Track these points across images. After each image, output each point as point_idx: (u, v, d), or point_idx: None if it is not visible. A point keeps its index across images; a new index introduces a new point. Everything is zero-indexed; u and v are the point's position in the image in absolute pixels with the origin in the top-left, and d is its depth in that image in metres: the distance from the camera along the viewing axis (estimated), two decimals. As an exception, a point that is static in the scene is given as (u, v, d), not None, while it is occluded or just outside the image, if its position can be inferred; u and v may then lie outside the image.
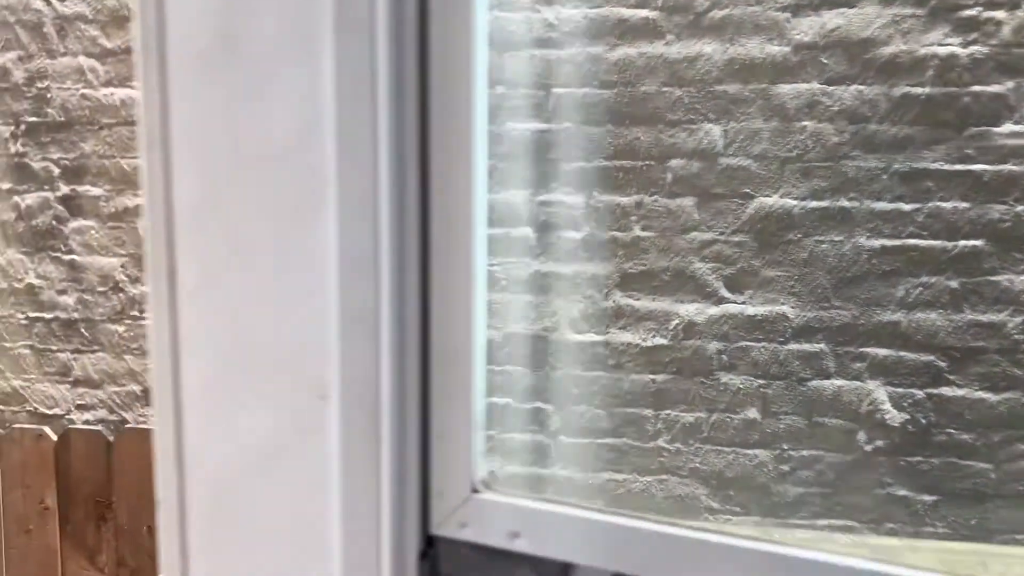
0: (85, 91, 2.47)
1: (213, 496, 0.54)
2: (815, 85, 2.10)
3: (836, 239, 2.11)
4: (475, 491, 0.60)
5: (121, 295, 2.51)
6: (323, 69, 0.52)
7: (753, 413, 2.20)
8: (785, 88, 2.11)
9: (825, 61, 2.08)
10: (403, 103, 0.56)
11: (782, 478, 2.20)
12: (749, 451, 2.22)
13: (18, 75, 2.50)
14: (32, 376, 2.56)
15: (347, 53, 0.52)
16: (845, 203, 2.09)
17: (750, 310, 2.19)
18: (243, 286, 0.53)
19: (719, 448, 2.25)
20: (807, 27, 2.09)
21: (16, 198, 2.53)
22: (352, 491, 0.54)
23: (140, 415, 2.53)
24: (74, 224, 2.51)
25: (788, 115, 2.12)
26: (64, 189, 2.51)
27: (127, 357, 2.52)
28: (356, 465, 0.54)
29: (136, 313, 2.51)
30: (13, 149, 2.52)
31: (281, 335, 0.54)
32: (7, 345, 2.57)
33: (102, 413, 2.55)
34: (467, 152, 0.57)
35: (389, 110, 0.54)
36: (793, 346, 2.16)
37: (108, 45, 2.45)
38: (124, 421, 2.51)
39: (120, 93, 2.46)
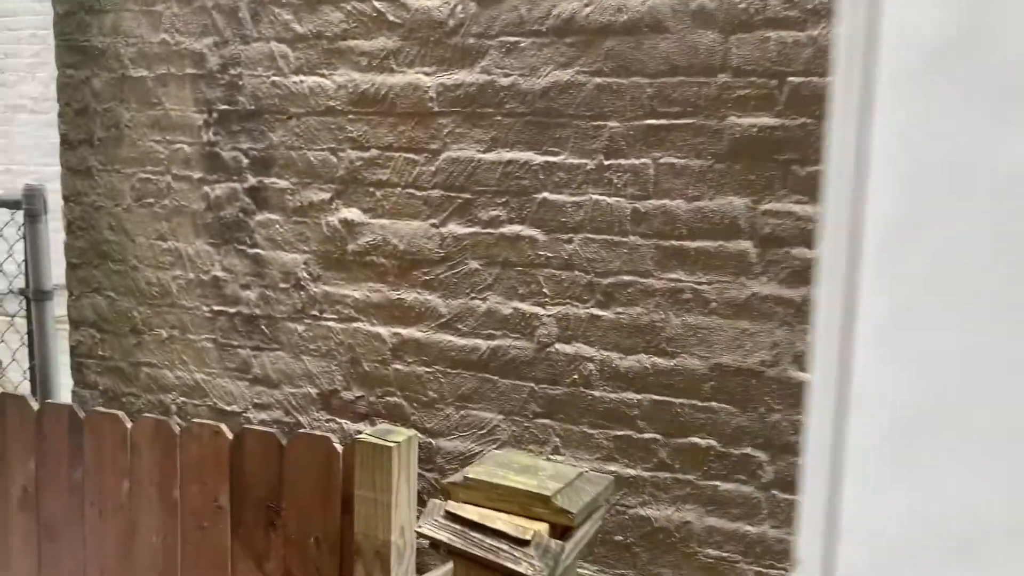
0: (275, 79, 2.37)
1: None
2: None
3: None
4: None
5: (302, 293, 2.41)
6: None
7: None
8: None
9: None
10: None
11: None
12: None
13: (213, 62, 2.44)
14: (214, 370, 2.52)
15: None
16: None
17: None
18: (951, 325, 0.43)
19: None
20: None
21: (206, 188, 2.48)
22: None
23: (314, 419, 2.42)
24: (260, 217, 2.43)
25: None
26: (252, 180, 2.43)
27: (304, 358, 2.41)
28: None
29: (316, 313, 2.39)
30: (205, 137, 2.46)
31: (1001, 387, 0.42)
32: (192, 337, 2.54)
33: (278, 414, 2.46)
34: None
35: None
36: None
37: (300, 30, 2.34)
38: (298, 424, 2.41)
39: (309, 81, 2.34)
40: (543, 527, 1.73)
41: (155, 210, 2.55)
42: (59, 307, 2.77)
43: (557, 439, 2.16)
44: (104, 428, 2.38)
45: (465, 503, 1.77)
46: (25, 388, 2.76)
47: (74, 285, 2.69)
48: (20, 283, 2.77)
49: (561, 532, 1.76)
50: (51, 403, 2.50)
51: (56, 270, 2.73)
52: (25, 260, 2.76)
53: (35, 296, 2.80)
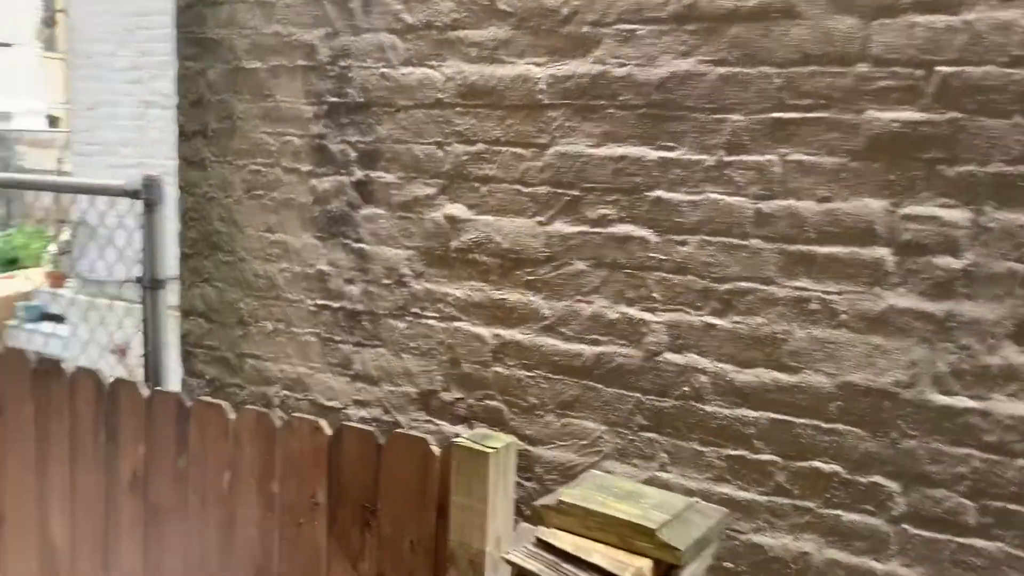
0: (384, 70, 2.32)
1: None
2: None
3: None
4: None
5: (404, 290, 2.35)
6: None
7: None
8: None
9: None
10: None
11: None
12: None
13: (323, 53, 2.41)
14: (316, 365, 2.50)
15: None
16: None
17: None
18: None
19: None
20: None
21: (314, 181, 2.46)
22: None
23: (413, 419, 2.36)
24: (365, 211, 2.39)
25: None
26: (358, 174, 2.39)
27: (405, 356, 2.36)
28: None
29: (417, 310, 2.33)
30: (315, 130, 2.45)
31: None
32: (296, 331, 2.53)
33: (377, 412, 2.42)
34: None
35: None
36: None
37: (410, 20, 2.28)
38: (396, 424, 2.36)
39: (418, 73, 2.28)
40: (645, 564, 1.58)
41: (264, 202, 2.56)
42: (173, 295, 2.82)
43: (664, 455, 2.02)
44: (209, 418, 2.39)
45: (558, 529, 1.65)
46: (141, 374, 2.83)
47: (186, 274, 2.73)
48: (139, 271, 2.84)
49: (666, 570, 1.61)
50: (160, 390, 2.54)
51: (171, 259, 2.79)
52: (143, 248, 2.83)
53: (150, 284, 2.86)
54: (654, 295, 2.02)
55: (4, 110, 17.09)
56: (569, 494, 1.72)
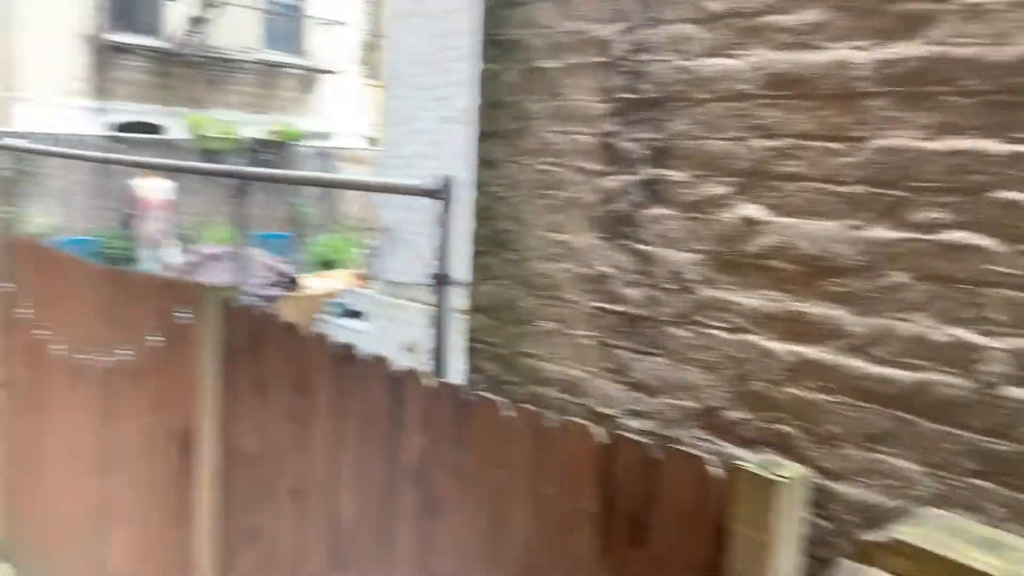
0: (682, 63, 2.19)
1: None
2: None
3: None
4: None
5: (689, 296, 2.20)
6: None
7: None
8: None
9: None
10: None
11: None
12: None
13: (618, 48, 2.34)
14: (592, 369, 2.42)
15: None
16: None
17: None
18: None
19: None
20: None
21: (600, 180, 2.39)
22: None
23: (691, 436, 2.19)
24: (651, 211, 2.27)
25: None
26: (646, 172, 2.28)
27: (687, 368, 2.20)
28: None
29: (703, 319, 2.17)
30: (604, 128, 2.37)
31: None
32: (574, 332, 2.46)
33: (653, 424, 2.28)
34: None
35: None
36: None
37: (714, 8, 2.13)
38: (673, 439, 2.21)
39: (718, 64, 2.12)
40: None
41: (550, 201, 2.53)
42: (460, 293, 2.90)
43: (999, 508, 1.68)
44: (485, 414, 2.40)
45: (890, 573, 1.38)
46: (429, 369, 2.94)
47: (475, 271, 2.78)
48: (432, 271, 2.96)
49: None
50: (443, 383, 2.60)
51: (461, 259, 2.87)
52: (438, 246, 2.94)
53: (442, 281, 2.98)
54: (994, 316, 1.69)
55: (327, 130, 19.26)
56: (907, 532, 1.45)
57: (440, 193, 2.92)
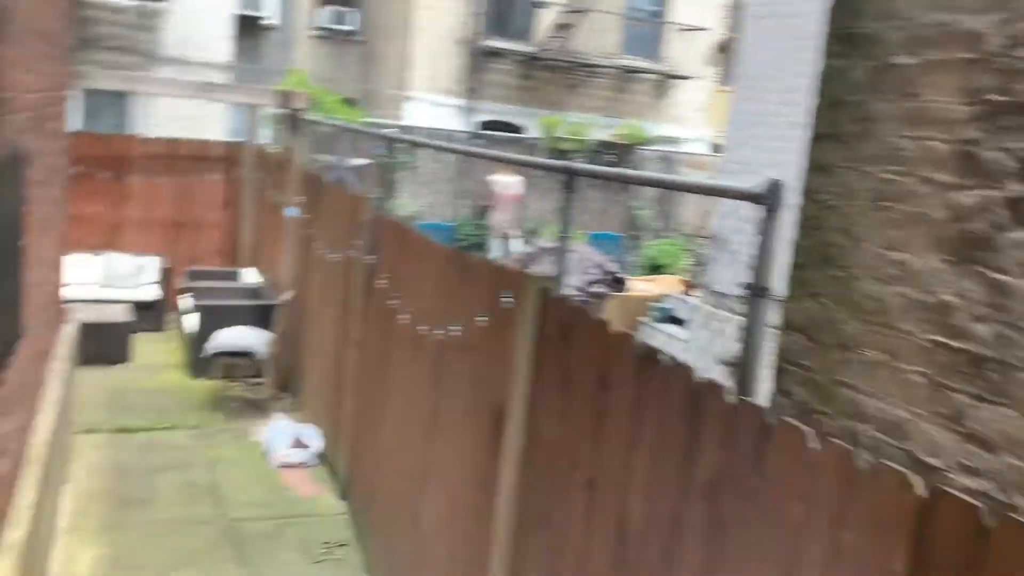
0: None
1: None
2: None
3: None
4: None
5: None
6: None
7: None
8: None
9: None
10: None
11: None
12: None
13: (993, 43, 2.00)
14: (920, 412, 2.11)
15: None
16: None
17: None
18: None
19: None
20: None
21: (953, 194, 2.07)
22: None
23: (1040, 508, 1.82)
24: (1016, 235, 1.92)
25: None
26: (1015, 189, 1.93)
27: (1042, 425, 1.83)
28: None
29: None
30: (965, 134, 2.05)
31: None
32: (902, 366, 2.17)
33: (989, 485, 1.93)
34: None
35: None
36: None
37: None
38: (1012, 507, 1.85)
39: None
40: None
41: (889, 215, 2.25)
42: (774, 308, 2.70)
43: None
44: (789, 442, 2.21)
45: None
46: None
47: (793, 286, 2.58)
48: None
49: None
50: (745, 401, 2.44)
51: (780, 271, 2.67)
52: (757, 254, 2.77)
53: (757, 292, 2.79)
54: None
55: (675, 135, 19.30)
56: None
57: (765, 198, 2.74)
